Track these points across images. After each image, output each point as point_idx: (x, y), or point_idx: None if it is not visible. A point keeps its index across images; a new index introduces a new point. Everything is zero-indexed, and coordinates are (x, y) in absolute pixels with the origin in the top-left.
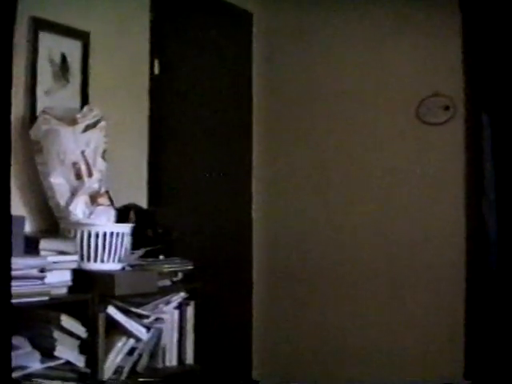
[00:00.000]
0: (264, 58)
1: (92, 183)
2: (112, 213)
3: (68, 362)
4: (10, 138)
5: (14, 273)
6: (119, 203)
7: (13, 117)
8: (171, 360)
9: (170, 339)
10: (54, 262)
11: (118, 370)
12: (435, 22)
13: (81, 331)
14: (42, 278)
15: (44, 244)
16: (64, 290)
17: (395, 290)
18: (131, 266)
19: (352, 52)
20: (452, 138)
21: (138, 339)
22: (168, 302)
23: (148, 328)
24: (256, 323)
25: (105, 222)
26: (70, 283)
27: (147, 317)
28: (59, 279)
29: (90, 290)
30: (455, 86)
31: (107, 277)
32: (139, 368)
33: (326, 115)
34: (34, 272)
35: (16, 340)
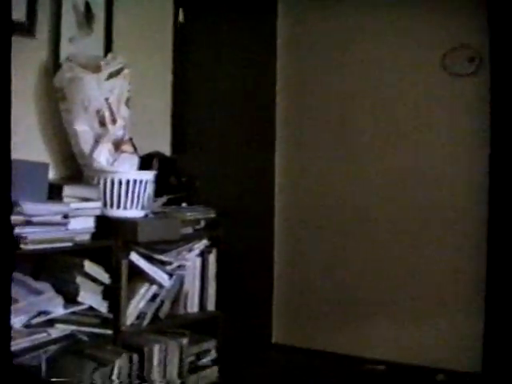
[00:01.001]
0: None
1: (116, 130)
2: (135, 160)
3: (91, 308)
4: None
5: (37, 219)
6: (143, 151)
7: (37, 64)
8: (193, 306)
9: (192, 286)
10: (78, 209)
11: (141, 316)
12: None
13: (104, 277)
14: (65, 225)
15: (67, 190)
16: (87, 237)
17: (416, 242)
18: (154, 213)
19: (378, 4)
20: (477, 90)
21: (160, 286)
22: (190, 250)
23: (170, 275)
24: (277, 269)
25: (128, 169)
26: (93, 230)
27: (170, 263)
28: (83, 226)
29: (113, 237)
30: (481, 38)
31: (130, 223)
32: (161, 314)
33: (351, 63)
34: (58, 218)
35: (40, 285)
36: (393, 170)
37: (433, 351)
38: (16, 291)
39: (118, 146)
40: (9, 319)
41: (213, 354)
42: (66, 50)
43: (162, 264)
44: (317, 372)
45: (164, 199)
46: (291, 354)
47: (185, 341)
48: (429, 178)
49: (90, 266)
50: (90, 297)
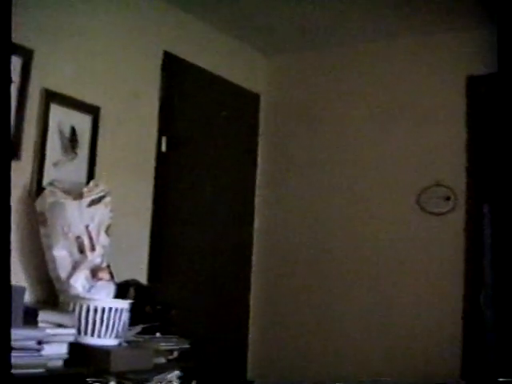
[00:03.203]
0: (270, 136)
1: (94, 258)
2: (112, 288)
3: None
4: (10, 209)
5: (12, 343)
6: (120, 278)
7: (20, 186)
8: None
9: None
10: (52, 335)
11: None
12: (440, 112)
13: None
14: (39, 350)
15: (43, 316)
16: (60, 363)
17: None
18: (128, 342)
19: (355, 136)
20: (452, 229)
21: None
22: (162, 380)
23: None
24: None
25: (104, 297)
26: (66, 356)
27: None
28: (56, 352)
29: (86, 364)
30: (457, 177)
31: (104, 352)
32: None
33: (328, 199)
34: (32, 344)
35: None
36: (368, 306)
37: None
38: None
39: (95, 273)
40: None
41: None
42: (49, 173)
43: None
44: None
45: (138, 328)
46: None
47: None
48: (400, 315)
49: None
50: None
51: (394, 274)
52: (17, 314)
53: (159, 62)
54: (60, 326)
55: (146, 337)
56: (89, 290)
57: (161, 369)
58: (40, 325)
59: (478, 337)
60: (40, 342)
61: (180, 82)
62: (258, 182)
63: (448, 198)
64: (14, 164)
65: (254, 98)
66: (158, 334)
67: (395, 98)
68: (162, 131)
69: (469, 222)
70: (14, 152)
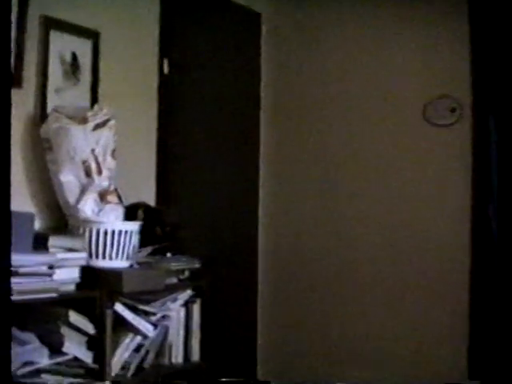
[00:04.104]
0: (272, 57)
1: (101, 181)
2: (121, 211)
3: (76, 358)
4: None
5: (23, 269)
6: (128, 201)
7: (23, 114)
8: (177, 357)
9: (177, 336)
10: (63, 259)
11: (125, 366)
12: (443, 23)
13: (89, 328)
14: (50, 275)
15: (53, 241)
16: (72, 287)
17: (398, 292)
18: (139, 263)
19: (360, 53)
20: (459, 140)
21: (144, 336)
22: (175, 300)
23: (155, 325)
24: (261, 320)
25: (113, 219)
26: (78, 280)
27: (154, 314)
28: (68, 276)
29: (97, 287)
30: (462, 88)
31: (115, 274)
32: (146, 364)
33: (333, 115)
34: (43, 269)
35: (25, 335)
36: (373, 220)
37: None
38: None
39: (103, 196)
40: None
41: None
42: (52, 100)
43: (146, 314)
44: None
45: (149, 249)
46: None
47: None
48: (408, 228)
49: (74, 317)
50: (75, 347)
51: (401, 191)
52: (27, 241)
53: None
54: (71, 250)
55: (157, 257)
56: (98, 214)
57: (173, 289)
58: (51, 250)
59: (486, 249)
60: (51, 267)
61: (179, 2)
62: (262, 103)
63: (453, 110)
64: (16, 93)
65: (255, 17)
66: (168, 255)
67: (397, 11)
68: (163, 53)
69: (475, 132)
70: (16, 80)
